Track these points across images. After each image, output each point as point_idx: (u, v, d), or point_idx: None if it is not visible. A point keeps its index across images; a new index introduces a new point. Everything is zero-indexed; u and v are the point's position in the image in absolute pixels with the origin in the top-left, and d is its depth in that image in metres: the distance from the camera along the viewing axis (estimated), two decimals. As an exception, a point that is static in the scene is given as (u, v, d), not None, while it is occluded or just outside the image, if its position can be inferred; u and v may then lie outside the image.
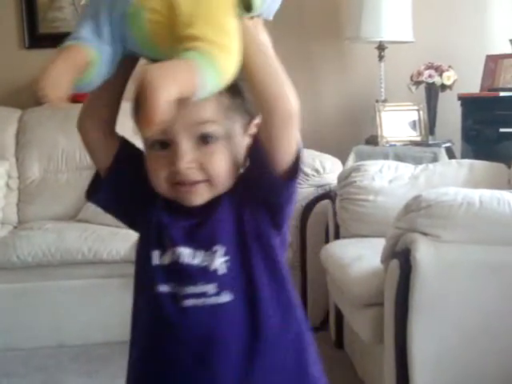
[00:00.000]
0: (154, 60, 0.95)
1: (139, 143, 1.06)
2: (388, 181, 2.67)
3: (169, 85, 0.83)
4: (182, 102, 0.86)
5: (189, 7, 0.91)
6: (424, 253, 1.82)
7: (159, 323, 1.02)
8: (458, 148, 3.47)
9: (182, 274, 1.01)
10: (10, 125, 3.47)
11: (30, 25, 3.72)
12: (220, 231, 1.02)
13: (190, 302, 1.00)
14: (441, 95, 3.53)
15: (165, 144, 1.00)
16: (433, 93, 3.51)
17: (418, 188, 2.54)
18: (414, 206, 1.90)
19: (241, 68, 0.94)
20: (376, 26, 3.43)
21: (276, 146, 0.99)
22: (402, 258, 1.89)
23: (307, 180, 3.04)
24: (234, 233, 1.02)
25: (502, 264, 1.84)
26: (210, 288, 1.00)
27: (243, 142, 1.04)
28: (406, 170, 2.74)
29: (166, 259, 1.02)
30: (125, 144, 1.08)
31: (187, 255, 1.01)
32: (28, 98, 3.69)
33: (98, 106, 1.07)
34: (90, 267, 2.88)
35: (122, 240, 2.92)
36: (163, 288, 1.02)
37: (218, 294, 1.00)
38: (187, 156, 0.99)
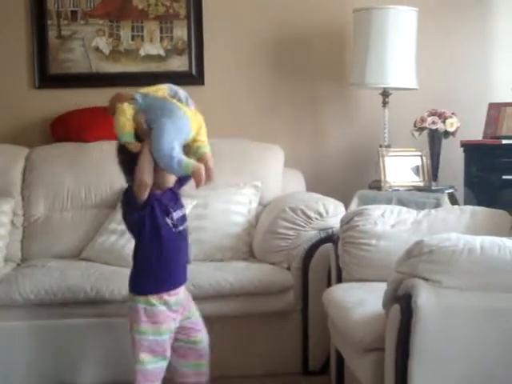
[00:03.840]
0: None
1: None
2: (391, 225, 2.68)
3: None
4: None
5: (198, 129, 2.36)
6: (425, 298, 1.83)
7: (179, 241, 2.42)
8: (460, 194, 3.49)
9: (182, 219, 2.43)
10: (17, 163, 3.50)
11: (40, 65, 3.79)
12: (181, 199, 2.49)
13: (183, 227, 2.43)
14: (444, 141, 3.56)
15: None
16: (436, 139, 3.55)
17: (420, 233, 2.55)
18: (416, 251, 1.92)
19: None
20: (380, 72, 3.49)
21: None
22: (403, 303, 1.89)
23: (310, 223, 3.05)
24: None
25: (503, 311, 1.84)
26: (186, 223, 2.46)
27: None
28: (409, 215, 2.75)
29: (175, 216, 2.40)
30: None
31: (180, 212, 2.43)
32: (36, 136, 3.75)
33: (151, 173, 2.34)
34: (92, 306, 2.88)
35: (125, 279, 2.92)
36: (180, 227, 2.41)
37: (186, 222, 2.46)
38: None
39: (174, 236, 2.38)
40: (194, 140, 2.33)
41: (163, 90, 2.38)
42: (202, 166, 2.25)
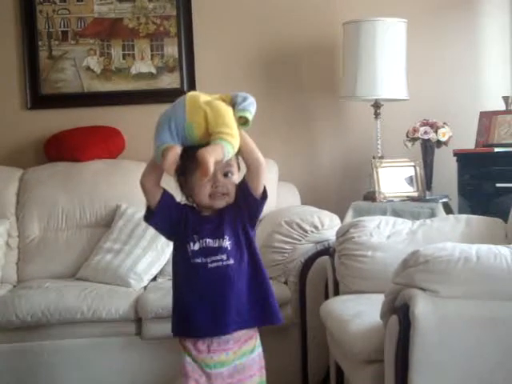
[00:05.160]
0: (195, 146, 1.89)
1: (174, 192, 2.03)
2: (386, 236, 2.68)
3: (212, 156, 1.82)
4: (218, 161, 1.86)
5: (214, 118, 1.89)
6: (423, 308, 1.83)
7: (196, 278, 1.97)
8: (455, 203, 3.50)
9: (208, 252, 1.97)
10: (11, 184, 3.50)
11: (32, 85, 3.79)
12: (226, 229, 1.99)
13: (213, 265, 1.96)
14: (437, 151, 3.58)
15: None
16: (429, 149, 3.56)
17: (416, 243, 2.56)
18: (412, 262, 1.92)
19: (239, 147, 1.93)
20: (371, 84, 3.50)
21: (253, 182, 1.98)
22: (400, 313, 1.89)
23: (306, 236, 3.05)
24: (233, 229, 1.99)
25: (501, 319, 1.84)
26: (224, 256, 1.97)
27: (238, 177, 2.02)
28: (404, 225, 2.76)
29: (197, 246, 1.97)
30: (166, 192, 2.01)
31: (210, 242, 1.97)
32: (30, 157, 3.75)
33: (151, 176, 1.98)
34: (89, 326, 2.87)
35: (121, 298, 2.92)
36: (198, 260, 1.96)
37: (227, 259, 1.97)
38: (221, 181, 1.96)
39: (193, 269, 1.96)
40: (215, 132, 1.87)
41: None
42: (175, 148, 1.87)
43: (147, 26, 3.81)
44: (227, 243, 1.97)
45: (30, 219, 3.44)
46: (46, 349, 2.88)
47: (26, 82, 3.79)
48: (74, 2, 3.78)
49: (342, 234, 2.75)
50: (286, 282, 3.05)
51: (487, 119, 3.52)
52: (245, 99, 1.96)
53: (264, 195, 2.00)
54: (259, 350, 2.05)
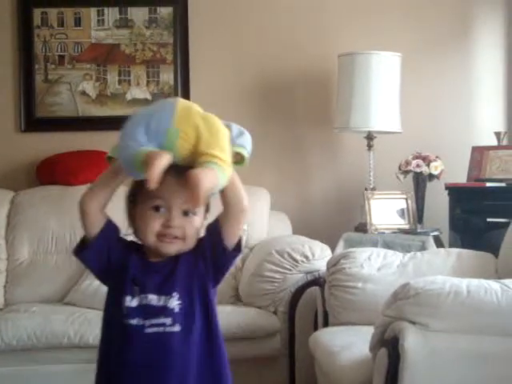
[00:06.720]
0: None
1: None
2: (377, 268, 2.68)
3: (208, 181, 1.40)
4: (209, 190, 1.42)
5: (208, 137, 1.48)
6: (412, 342, 1.82)
7: (128, 345, 1.50)
8: (445, 237, 3.50)
9: (148, 311, 1.50)
10: (1, 206, 3.48)
11: (26, 108, 3.80)
12: (178, 284, 1.52)
13: (152, 330, 1.49)
14: (429, 184, 3.59)
15: (158, 208, 1.50)
16: (421, 182, 3.57)
17: (406, 276, 2.55)
18: (402, 294, 1.91)
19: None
20: (365, 116, 3.52)
21: (229, 229, 1.54)
22: (390, 346, 1.88)
23: (296, 266, 3.04)
24: (187, 286, 1.53)
25: (490, 354, 1.84)
26: (167, 320, 1.50)
27: (203, 219, 1.57)
28: (395, 257, 2.76)
29: (135, 302, 1.51)
30: (110, 222, 1.56)
31: (154, 299, 1.51)
32: (22, 179, 3.74)
33: (100, 196, 1.54)
34: (76, 351, 2.84)
35: (109, 324, 2.89)
36: (133, 321, 1.49)
37: (172, 324, 1.50)
38: (177, 220, 1.50)
39: (125, 332, 1.50)
40: (207, 153, 1.47)
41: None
42: (166, 155, 1.42)
43: (144, 53, 3.84)
44: (175, 303, 1.50)
45: (20, 242, 3.42)
46: (32, 374, 2.84)
47: (21, 105, 3.79)
48: (72, 26, 3.81)
49: (333, 264, 2.74)
50: (275, 312, 3.04)
51: (479, 154, 3.54)
52: (241, 133, 1.65)
53: (237, 247, 1.55)
54: None
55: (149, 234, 1.50)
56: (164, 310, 1.50)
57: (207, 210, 1.59)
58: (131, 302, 1.50)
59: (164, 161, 1.40)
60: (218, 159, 1.46)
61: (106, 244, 1.54)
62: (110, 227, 1.55)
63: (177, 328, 1.50)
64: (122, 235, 1.59)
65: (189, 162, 1.46)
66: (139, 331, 1.49)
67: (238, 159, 1.59)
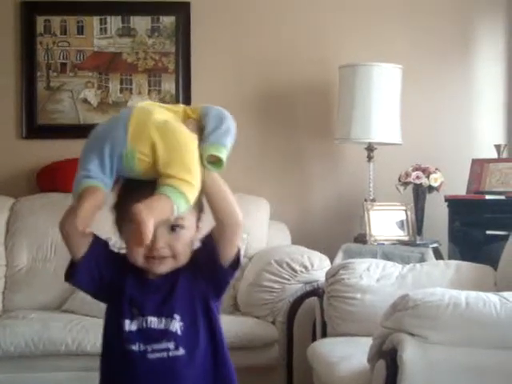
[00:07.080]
0: (138, 180, 1.40)
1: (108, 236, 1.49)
2: (376, 279, 2.68)
3: (152, 217, 1.28)
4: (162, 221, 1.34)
5: (166, 153, 1.35)
6: (410, 354, 1.82)
7: (131, 372, 1.41)
8: (445, 249, 3.50)
9: (149, 336, 1.41)
10: (1, 212, 3.48)
11: (28, 115, 3.81)
12: (178, 304, 1.43)
13: (154, 355, 1.40)
14: (428, 196, 3.59)
15: None
16: (420, 194, 3.58)
17: (405, 287, 2.55)
18: (401, 306, 1.91)
19: (205, 196, 1.40)
20: (365, 127, 3.53)
21: (224, 245, 1.42)
22: (388, 358, 1.88)
23: (295, 276, 3.04)
24: (188, 304, 1.44)
25: (488, 367, 1.83)
26: (170, 345, 1.41)
27: (196, 231, 1.46)
28: (394, 269, 2.76)
29: (134, 326, 1.41)
30: (96, 239, 1.45)
31: (154, 322, 1.41)
32: (22, 186, 3.74)
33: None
34: (74, 359, 2.83)
35: (108, 332, 2.88)
36: (134, 347, 1.40)
37: (175, 348, 1.41)
38: (162, 240, 1.39)
39: (127, 358, 1.41)
40: (164, 175, 1.35)
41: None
42: (98, 193, 1.35)
43: (146, 62, 3.85)
44: (177, 325, 1.41)
45: (19, 249, 3.42)
46: (29, 381, 2.84)
47: (23, 112, 3.80)
48: (75, 34, 3.82)
49: (332, 275, 2.74)
50: (273, 322, 3.03)
51: (479, 166, 3.55)
52: (218, 125, 1.47)
53: (235, 263, 1.45)
54: None
55: (136, 257, 1.41)
56: (166, 334, 1.41)
57: (201, 210, 1.46)
58: (130, 325, 1.41)
59: (93, 201, 1.33)
60: (176, 181, 1.32)
61: (95, 260, 1.44)
62: (98, 243, 1.45)
63: (181, 351, 1.41)
64: (116, 249, 1.49)
65: (157, 175, 1.36)
66: (142, 357, 1.40)
67: (214, 160, 1.40)
